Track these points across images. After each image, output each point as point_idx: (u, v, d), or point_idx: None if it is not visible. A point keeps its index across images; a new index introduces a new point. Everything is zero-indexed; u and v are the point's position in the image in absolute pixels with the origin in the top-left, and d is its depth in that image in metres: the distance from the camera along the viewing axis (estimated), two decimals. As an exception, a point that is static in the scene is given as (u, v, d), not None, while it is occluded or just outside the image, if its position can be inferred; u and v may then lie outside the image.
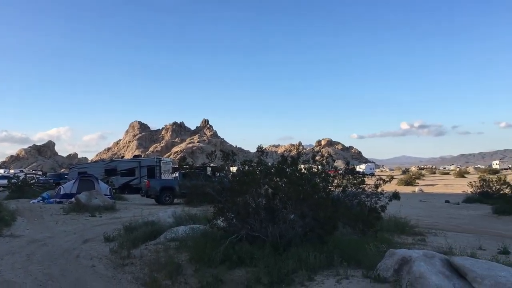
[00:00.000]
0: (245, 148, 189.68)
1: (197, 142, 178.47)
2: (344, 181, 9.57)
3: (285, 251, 6.54)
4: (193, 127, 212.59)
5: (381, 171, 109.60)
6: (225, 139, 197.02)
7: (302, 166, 8.61)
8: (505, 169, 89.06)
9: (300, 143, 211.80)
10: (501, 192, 23.24)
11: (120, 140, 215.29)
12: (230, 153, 8.24)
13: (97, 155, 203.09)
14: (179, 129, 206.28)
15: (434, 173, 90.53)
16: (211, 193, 7.84)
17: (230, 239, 7.01)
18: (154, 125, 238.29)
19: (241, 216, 7.35)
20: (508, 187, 20.93)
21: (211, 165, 11.81)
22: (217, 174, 9.68)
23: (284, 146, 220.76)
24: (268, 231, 7.06)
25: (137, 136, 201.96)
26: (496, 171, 69.27)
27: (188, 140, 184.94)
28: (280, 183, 7.55)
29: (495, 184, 24.92)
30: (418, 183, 53.11)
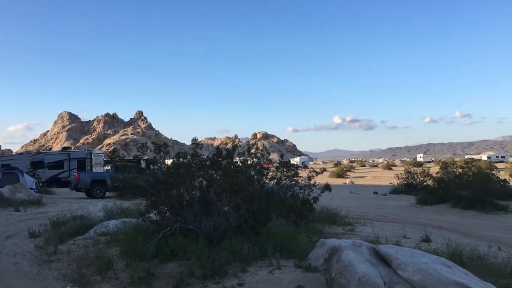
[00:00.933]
0: (181, 141, 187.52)
1: (130, 134, 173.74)
2: (279, 173, 9.74)
3: (219, 243, 6.52)
4: (126, 119, 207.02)
5: (315, 163, 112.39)
6: (160, 131, 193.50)
7: (238, 158, 8.63)
8: (428, 161, 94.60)
9: (236, 136, 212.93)
10: (425, 183, 24.67)
11: (48, 131, 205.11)
12: (162, 145, 8.06)
13: (22, 147, 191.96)
14: (111, 121, 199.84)
15: (364, 165, 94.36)
16: (144, 186, 7.64)
17: (163, 232, 6.87)
18: (85, 116, 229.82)
19: (175, 209, 7.24)
20: (431, 179, 22.20)
21: (145, 157, 11.52)
22: (151, 166, 9.46)
23: (220, 139, 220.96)
24: (202, 224, 7.00)
25: (66, 128, 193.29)
26: (420, 164, 73.25)
27: (121, 132, 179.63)
28: (215, 175, 7.52)
29: (419, 176, 26.40)
30: (349, 175, 55.22)
